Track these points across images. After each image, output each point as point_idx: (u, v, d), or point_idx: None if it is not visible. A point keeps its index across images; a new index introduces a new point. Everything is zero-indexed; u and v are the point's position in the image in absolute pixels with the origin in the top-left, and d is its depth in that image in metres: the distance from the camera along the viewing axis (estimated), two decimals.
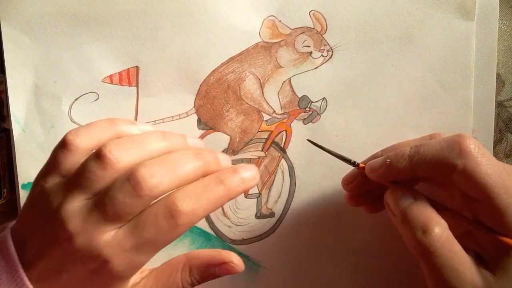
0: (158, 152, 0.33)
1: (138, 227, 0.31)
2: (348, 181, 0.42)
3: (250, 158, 0.47)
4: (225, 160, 0.35)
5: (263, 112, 0.46)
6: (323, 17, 0.45)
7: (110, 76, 0.45)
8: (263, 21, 0.45)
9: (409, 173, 0.37)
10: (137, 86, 0.45)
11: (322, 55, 0.46)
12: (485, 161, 0.34)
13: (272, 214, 0.47)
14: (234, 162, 0.47)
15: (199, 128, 0.46)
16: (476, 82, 0.46)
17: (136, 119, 0.45)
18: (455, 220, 0.37)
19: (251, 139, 0.46)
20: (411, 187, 0.38)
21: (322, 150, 0.45)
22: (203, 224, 0.47)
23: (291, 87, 0.46)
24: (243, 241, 0.47)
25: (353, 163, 0.41)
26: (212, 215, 0.47)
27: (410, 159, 0.36)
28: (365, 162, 0.41)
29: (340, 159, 0.41)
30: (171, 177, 0.31)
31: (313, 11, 0.45)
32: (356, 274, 0.48)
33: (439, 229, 0.35)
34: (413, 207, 0.36)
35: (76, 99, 0.45)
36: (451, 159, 0.35)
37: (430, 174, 0.36)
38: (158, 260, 0.47)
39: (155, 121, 0.45)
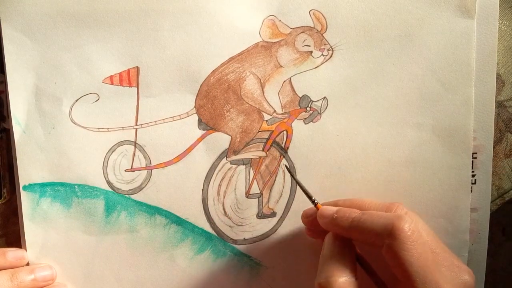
0: None
1: None
2: (306, 215, 0.45)
3: (251, 158, 0.47)
4: None
5: (264, 112, 0.46)
6: (323, 16, 0.45)
7: (111, 77, 0.45)
8: (263, 21, 0.45)
9: (348, 233, 0.40)
10: (137, 86, 0.45)
11: (322, 54, 0.46)
12: (414, 248, 0.36)
13: (273, 214, 0.47)
14: (235, 162, 0.47)
15: (199, 129, 0.46)
16: (476, 82, 0.46)
17: (136, 119, 0.45)
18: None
19: (252, 139, 0.46)
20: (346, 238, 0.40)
21: (323, 150, 0.46)
22: (204, 224, 0.47)
23: (292, 86, 0.46)
24: (245, 241, 0.48)
25: (313, 201, 0.44)
26: (213, 215, 0.47)
27: (351, 222, 0.39)
28: (326, 203, 0.44)
29: (305, 194, 0.44)
30: None
31: (313, 10, 0.45)
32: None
33: (340, 282, 0.37)
34: (334, 254, 0.39)
35: (76, 100, 0.45)
36: (381, 236, 0.37)
37: (363, 241, 0.39)
38: (160, 259, 0.47)
39: (155, 121, 0.45)
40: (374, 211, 0.40)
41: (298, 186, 0.45)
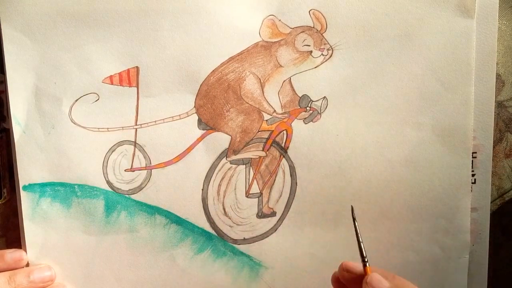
0: None
1: None
2: (346, 269, 0.40)
3: (251, 158, 0.47)
4: None
5: (264, 111, 0.46)
6: (323, 16, 0.45)
7: (110, 77, 0.45)
8: (263, 21, 0.45)
9: None
10: (137, 86, 0.45)
11: (322, 54, 0.46)
12: None
13: (273, 214, 0.47)
14: (235, 161, 0.47)
15: (199, 128, 0.46)
16: (476, 82, 0.46)
17: (136, 119, 0.45)
18: None
19: (252, 139, 0.46)
20: None
21: (323, 149, 0.46)
22: (204, 224, 0.47)
23: (292, 86, 0.46)
24: (245, 241, 0.48)
25: (364, 261, 0.39)
26: (213, 215, 0.47)
27: None
28: (375, 270, 0.39)
29: (359, 251, 0.40)
30: None
31: (313, 10, 0.45)
32: None
33: None
34: None
35: (76, 100, 0.45)
36: None
37: None
38: (160, 259, 0.47)
39: (155, 121, 0.45)
40: None
41: (357, 240, 0.40)
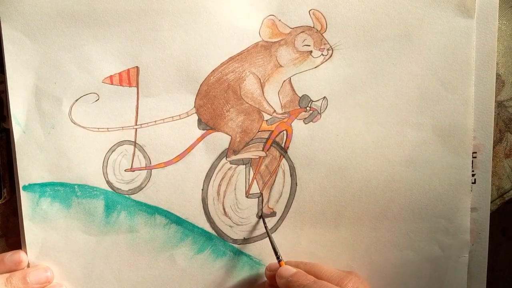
0: None
1: None
2: (269, 269, 0.46)
3: (251, 158, 0.47)
4: None
5: (264, 111, 0.46)
6: (323, 16, 0.45)
7: (110, 77, 0.45)
8: (263, 20, 0.45)
9: None
10: (137, 86, 0.45)
11: (322, 54, 0.46)
12: None
13: (273, 214, 0.47)
14: (235, 162, 0.47)
15: (199, 128, 0.46)
16: (476, 82, 0.46)
17: (136, 119, 0.45)
18: None
19: (252, 139, 0.46)
20: None
21: (323, 150, 0.46)
22: (204, 224, 0.47)
23: (292, 86, 0.46)
24: (244, 241, 0.48)
25: (277, 257, 0.45)
26: (213, 215, 0.47)
27: None
28: (289, 263, 0.46)
29: (273, 250, 0.45)
30: None
31: (313, 10, 0.45)
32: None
33: None
34: None
35: (76, 100, 0.45)
36: None
37: None
38: (160, 259, 0.47)
39: (155, 121, 0.45)
40: (326, 282, 0.41)
41: (270, 242, 0.46)
